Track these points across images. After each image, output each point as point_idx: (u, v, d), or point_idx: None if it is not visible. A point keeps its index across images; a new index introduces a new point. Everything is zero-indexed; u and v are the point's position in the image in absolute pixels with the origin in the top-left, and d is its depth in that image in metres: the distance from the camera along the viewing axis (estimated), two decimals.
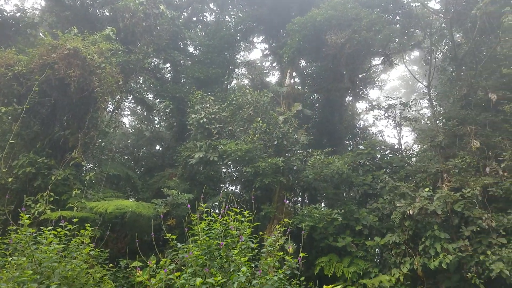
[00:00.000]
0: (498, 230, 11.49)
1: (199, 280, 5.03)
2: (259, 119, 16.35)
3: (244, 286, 5.20)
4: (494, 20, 15.36)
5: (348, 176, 15.68)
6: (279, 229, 6.54)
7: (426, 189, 13.05)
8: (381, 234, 13.99)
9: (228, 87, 22.67)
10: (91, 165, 17.70)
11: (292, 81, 21.48)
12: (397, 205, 13.07)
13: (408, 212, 12.38)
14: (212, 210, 6.99)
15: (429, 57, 18.25)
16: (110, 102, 16.38)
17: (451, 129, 14.78)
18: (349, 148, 22.52)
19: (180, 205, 14.82)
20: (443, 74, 17.38)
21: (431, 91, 18.68)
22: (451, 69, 16.96)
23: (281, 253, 6.19)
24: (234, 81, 24.94)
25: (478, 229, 11.60)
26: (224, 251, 6.25)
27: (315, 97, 24.43)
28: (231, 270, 5.55)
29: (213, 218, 6.63)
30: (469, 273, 11.10)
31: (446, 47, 18.38)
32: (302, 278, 10.15)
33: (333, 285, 5.69)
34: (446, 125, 15.32)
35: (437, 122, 16.45)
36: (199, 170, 16.87)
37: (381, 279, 12.06)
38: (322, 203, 18.08)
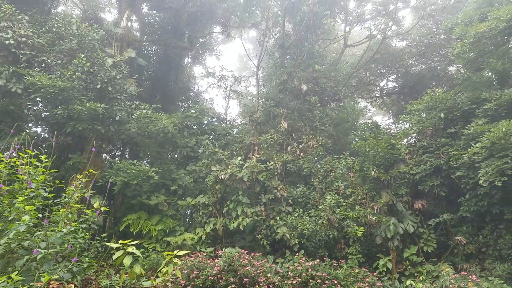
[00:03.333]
0: (288, 199, 13.67)
1: None
2: (83, 55, 14.36)
3: (24, 237, 4.48)
4: (318, 20, 17.77)
5: (173, 136, 15.70)
6: (81, 179, 5.89)
7: (239, 158, 14.36)
8: (194, 195, 14.71)
9: (52, 12, 18.82)
10: None
11: (130, 24, 19.67)
12: (213, 169, 13.91)
13: (221, 176, 13.34)
14: (7, 153, 5.69)
15: (263, 39, 19.77)
16: None
17: (268, 109, 16.63)
18: (181, 110, 22.49)
19: None
20: (271, 58, 19.13)
21: (260, 72, 20.43)
22: (278, 55, 18.80)
23: (79, 205, 5.62)
24: (62, 8, 20.89)
25: (273, 197, 13.55)
26: (7, 198, 5.25)
27: (154, 49, 23.16)
28: (9, 219, 4.69)
29: None
30: (259, 235, 12.82)
31: (278, 34, 20.24)
32: (105, 234, 9.73)
33: (130, 240, 5.53)
34: (265, 104, 17.09)
35: (259, 100, 18.17)
36: None
37: (185, 237, 12.75)
38: (145, 161, 17.62)
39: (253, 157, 15.09)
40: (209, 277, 9.95)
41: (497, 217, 10.46)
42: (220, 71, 22.47)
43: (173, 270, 6.05)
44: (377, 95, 23.79)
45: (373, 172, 12.29)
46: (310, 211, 12.95)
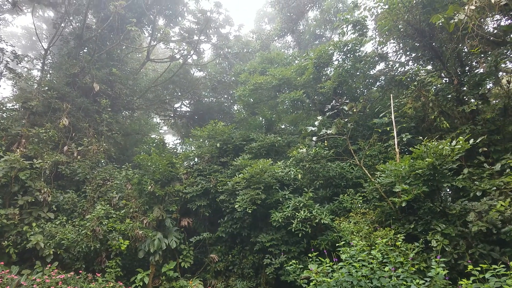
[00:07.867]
0: (51, 205, 12.24)
1: None
2: None
3: None
4: (124, 25, 17.27)
5: None
6: None
7: None
8: None
9: None
10: None
11: None
12: None
13: None
14: None
15: (59, 22, 17.56)
16: None
17: (49, 99, 14.69)
18: None
19: None
20: (65, 46, 17.15)
21: (49, 57, 17.96)
22: (74, 45, 17.10)
23: None
24: None
25: (34, 200, 11.87)
26: None
27: None
28: None
29: None
30: (6, 241, 10.86)
31: (78, 24, 18.44)
32: None
33: None
34: (46, 93, 15.02)
35: (41, 88, 15.84)
36: None
37: None
38: None
39: (17, 150, 12.85)
40: None
41: (245, 239, 12.16)
42: None
43: None
44: (171, 115, 24.88)
45: (149, 187, 12.59)
46: (75, 220, 11.98)
